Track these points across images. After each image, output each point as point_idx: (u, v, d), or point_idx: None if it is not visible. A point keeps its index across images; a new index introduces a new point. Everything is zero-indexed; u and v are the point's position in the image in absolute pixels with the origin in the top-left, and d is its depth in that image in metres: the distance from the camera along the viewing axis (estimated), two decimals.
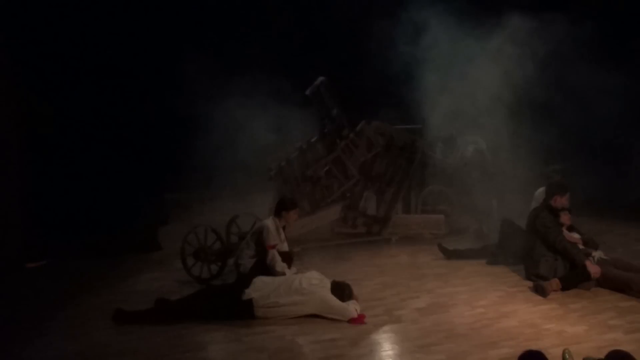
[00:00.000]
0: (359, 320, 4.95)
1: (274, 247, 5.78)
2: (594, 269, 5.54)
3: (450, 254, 6.94)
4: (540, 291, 5.50)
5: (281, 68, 7.79)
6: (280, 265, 5.72)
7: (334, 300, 5.03)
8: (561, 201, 5.96)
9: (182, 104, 8.77)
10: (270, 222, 5.91)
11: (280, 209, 5.98)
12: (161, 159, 8.52)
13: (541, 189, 6.93)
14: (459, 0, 7.53)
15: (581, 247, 5.90)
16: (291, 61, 8.01)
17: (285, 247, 6.07)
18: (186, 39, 9.63)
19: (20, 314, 5.40)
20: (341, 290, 5.17)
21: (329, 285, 5.16)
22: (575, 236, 6.04)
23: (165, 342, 4.63)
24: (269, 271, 5.63)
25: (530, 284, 5.79)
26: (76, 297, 5.80)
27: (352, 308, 5.01)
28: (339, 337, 4.65)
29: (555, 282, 5.57)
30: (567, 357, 3.94)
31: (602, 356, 3.31)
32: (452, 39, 7.53)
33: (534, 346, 3.86)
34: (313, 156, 7.75)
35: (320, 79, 7.82)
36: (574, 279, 5.61)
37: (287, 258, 5.97)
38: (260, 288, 5.10)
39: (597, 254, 5.84)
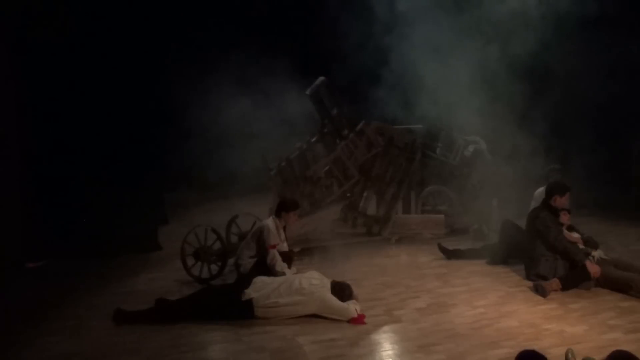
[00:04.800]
0: (359, 320, 4.95)
1: (274, 247, 5.79)
2: (594, 269, 5.55)
3: (450, 254, 6.94)
4: (540, 291, 5.51)
5: (281, 67, 7.78)
6: (280, 265, 5.73)
7: (334, 300, 5.03)
8: (561, 201, 5.96)
9: (182, 104, 8.78)
10: (270, 222, 5.92)
11: (281, 209, 6.00)
12: (161, 158, 8.51)
13: (541, 189, 6.94)
14: None
15: (581, 247, 5.91)
16: (290, 60, 7.99)
17: (285, 247, 6.08)
18: (185, 39, 9.65)
19: (20, 314, 5.40)
20: (341, 290, 5.17)
21: (329, 285, 5.16)
22: (575, 236, 6.04)
23: (165, 342, 4.63)
24: (269, 271, 5.64)
25: (530, 284, 5.79)
26: (76, 297, 5.79)
27: (352, 308, 5.01)
28: (339, 337, 4.65)
29: (555, 282, 5.58)
30: (570, 357, 3.94)
31: (603, 356, 3.31)
32: (443, 32, 7.55)
33: (534, 346, 3.86)
34: (313, 156, 7.75)
35: (321, 79, 7.81)
36: (574, 279, 5.62)
37: (287, 258, 5.97)
38: (260, 288, 5.10)
39: (597, 254, 5.85)
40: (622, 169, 9.57)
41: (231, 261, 6.27)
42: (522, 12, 7.34)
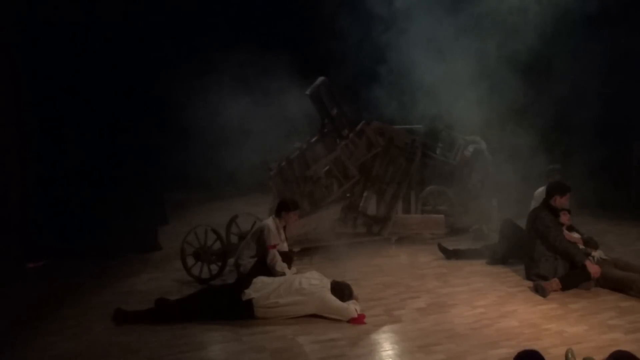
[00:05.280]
0: (359, 320, 4.95)
1: (274, 247, 5.79)
2: (594, 269, 5.55)
3: (450, 254, 6.94)
4: (540, 291, 5.51)
5: (281, 67, 7.79)
6: (280, 265, 5.74)
7: (334, 300, 5.03)
8: (561, 201, 5.96)
9: (183, 104, 8.79)
10: (270, 222, 5.93)
11: (281, 209, 6.00)
12: (161, 158, 8.52)
13: (541, 189, 6.94)
14: None
15: (581, 247, 5.91)
16: (290, 60, 8.00)
17: (285, 247, 6.08)
18: (184, 40, 9.66)
19: (20, 314, 5.40)
20: (341, 290, 5.17)
21: (329, 285, 5.16)
22: (575, 236, 6.05)
23: (165, 342, 4.63)
24: (269, 271, 5.64)
25: (530, 284, 5.79)
26: (76, 297, 5.79)
27: (352, 308, 5.01)
28: (339, 337, 4.65)
29: (555, 282, 5.58)
30: (570, 356, 3.93)
31: (603, 356, 3.31)
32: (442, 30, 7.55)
33: (534, 346, 3.86)
34: (313, 156, 7.74)
35: (321, 79, 7.81)
36: (574, 279, 5.62)
37: (287, 258, 5.98)
38: (260, 288, 5.10)
39: (597, 254, 5.85)
40: (623, 169, 9.56)
41: (231, 261, 6.27)
42: (523, 9, 7.33)
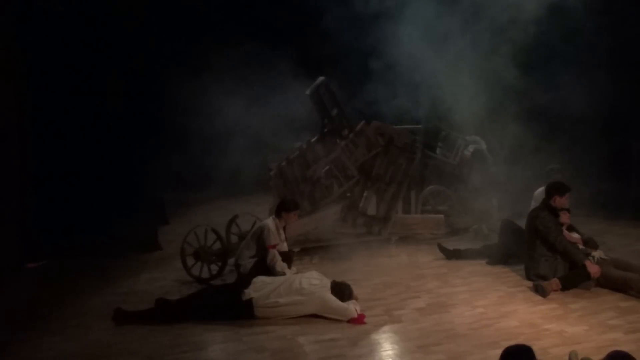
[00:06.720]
0: (359, 320, 4.95)
1: (274, 247, 5.79)
2: (594, 269, 5.54)
3: (450, 254, 6.93)
4: (540, 291, 5.51)
5: (281, 67, 7.78)
6: (280, 265, 5.74)
7: (334, 301, 5.04)
8: (561, 201, 5.96)
9: (182, 104, 8.79)
10: (270, 222, 5.93)
11: (281, 209, 6.00)
12: (161, 158, 8.51)
13: (541, 189, 6.93)
14: None
15: (581, 247, 5.91)
16: (289, 60, 8.00)
17: (285, 247, 6.08)
18: (184, 39, 9.65)
19: (20, 314, 5.40)
20: (341, 290, 5.17)
21: (329, 285, 5.16)
22: (575, 236, 6.04)
23: (165, 342, 4.64)
24: (269, 271, 5.64)
25: (530, 284, 5.79)
26: (76, 297, 5.80)
27: (352, 308, 5.02)
28: (339, 337, 4.65)
29: (555, 282, 5.58)
30: (573, 357, 3.92)
31: (602, 357, 3.31)
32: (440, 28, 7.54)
33: (533, 346, 3.85)
34: (313, 156, 7.74)
35: (321, 79, 7.80)
36: (574, 279, 5.62)
37: (287, 258, 5.98)
38: (260, 288, 5.10)
39: (597, 254, 5.85)
40: (623, 168, 9.55)
41: (231, 261, 6.27)
42: (524, 5, 7.31)
